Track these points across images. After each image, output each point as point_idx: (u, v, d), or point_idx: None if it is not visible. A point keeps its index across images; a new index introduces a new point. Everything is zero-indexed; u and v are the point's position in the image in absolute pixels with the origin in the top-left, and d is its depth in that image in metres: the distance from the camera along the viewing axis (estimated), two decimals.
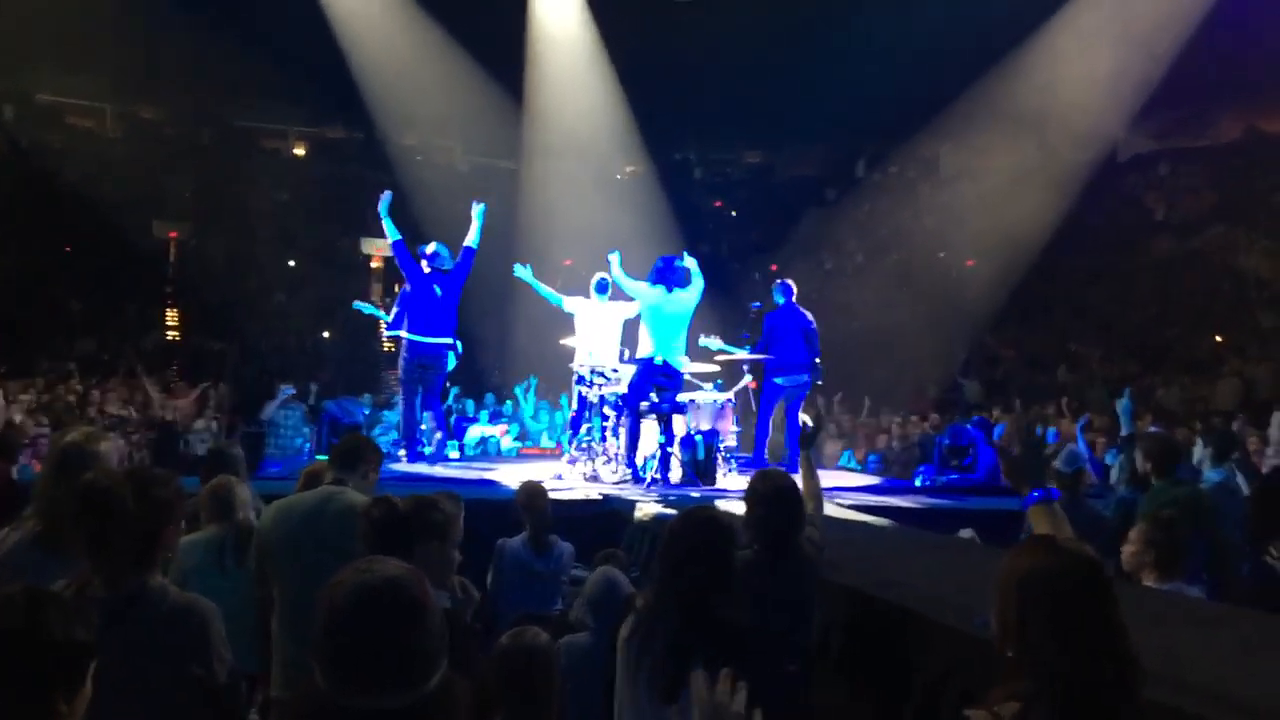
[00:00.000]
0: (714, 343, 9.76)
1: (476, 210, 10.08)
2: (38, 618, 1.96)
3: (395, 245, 10.23)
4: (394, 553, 3.04)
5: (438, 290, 9.89)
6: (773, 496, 3.78)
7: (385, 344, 23.59)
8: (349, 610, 1.75)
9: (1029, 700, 1.98)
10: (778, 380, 10.02)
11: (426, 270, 10.01)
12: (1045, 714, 1.96)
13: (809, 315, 10.20)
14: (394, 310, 10.00)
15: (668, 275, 9.05)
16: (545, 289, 10.39)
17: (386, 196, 10.49)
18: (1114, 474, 8.27)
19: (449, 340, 9.98)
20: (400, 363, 10.07)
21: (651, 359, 8.85)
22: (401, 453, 10.25)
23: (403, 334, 9.82)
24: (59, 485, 3.23)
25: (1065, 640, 1.99)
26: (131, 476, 2.71)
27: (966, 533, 6.39)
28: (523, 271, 10.50)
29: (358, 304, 11.98)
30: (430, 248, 10.17)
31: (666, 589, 3.02)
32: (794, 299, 10.28)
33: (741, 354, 10.17)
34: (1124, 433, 8.17)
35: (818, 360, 10.12)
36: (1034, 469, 2.55)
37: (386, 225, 10.37)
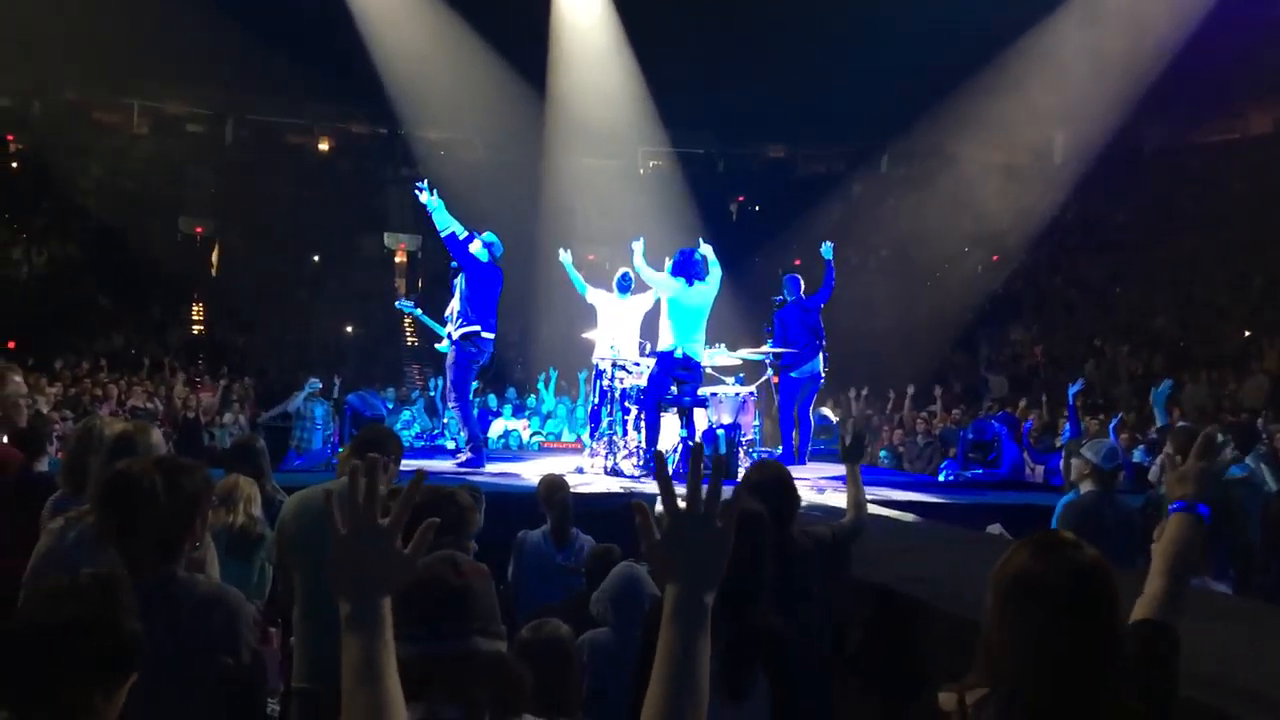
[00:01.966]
0: (720, 354, 9.72)
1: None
2: (109, 606, 1.97)
3: (449, 239, 9.21)
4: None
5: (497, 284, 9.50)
6: (766, 487, 3.77)
7: (410, 339, 23.73)
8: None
9: (994, 691, 1.92)
10: (792, 374, 10.02)
11: (493, 261, 9.52)
12: (999, 710, 1.90)
13: (818, 308, 10.23)
14: (456, 307, 9.41)
15: (687, 268, 9.00)
16: (577, 276, 10.35)
17: (427, 191, 9.43)
18: (1153, 471, 8.16)
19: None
20: (460, 360, 9.25)
21: (671, 352, 8.81)
22: (463, 456, 9.56)
23: (481, 332, 9.26)
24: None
25: (1027, 648, 1.88)
26: (160, 465, 2.70)
27: (995, 528, 6.31)
28: (564, 257, 10.44)
29: (401, 303, 11.82)
30: (487, 238, 9.66)
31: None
32: (802, 293, 10.28)
33: (743, 353, 10.13)
34: (1158, 424, 8.06)
35: (821, 344, 10.13)
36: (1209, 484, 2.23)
37: (436, 218, 9.29)
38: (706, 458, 8.49)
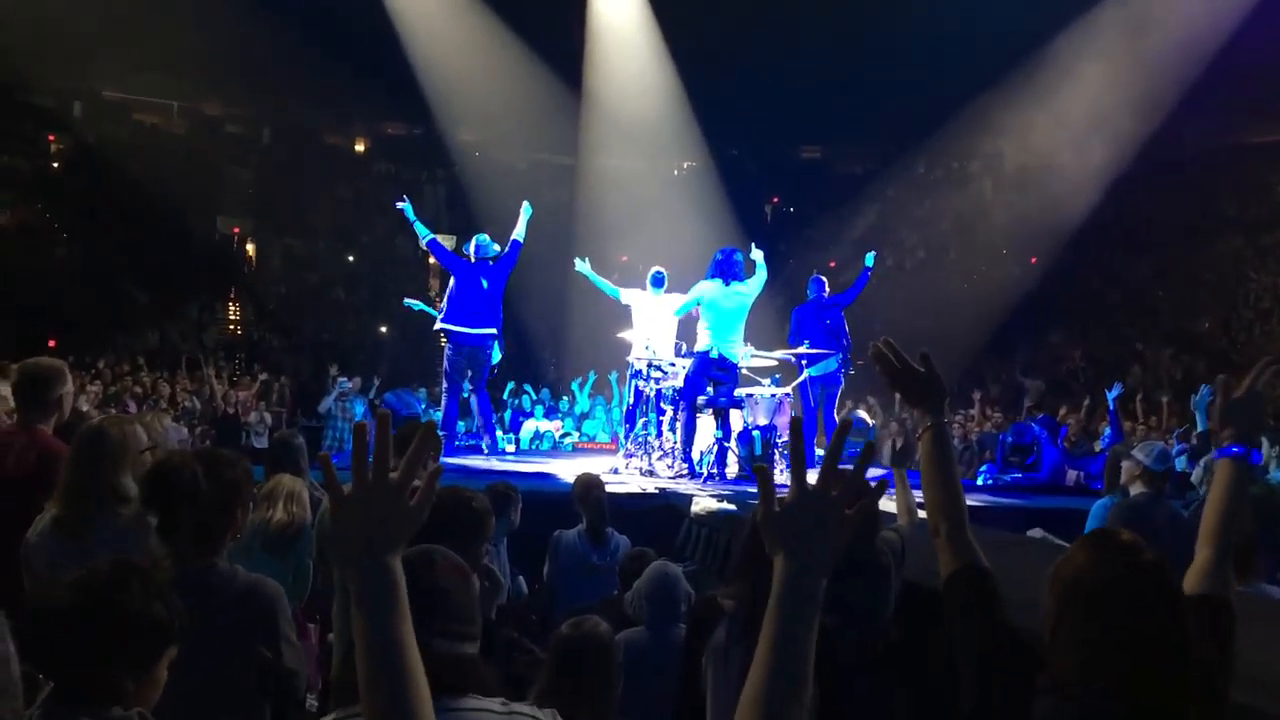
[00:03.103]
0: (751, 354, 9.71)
1: (525, 207, 10.11)
2: (120, 591, 1.98)
3: (430, 244, 10.40)
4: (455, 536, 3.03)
5: (484, 283, 9.91)
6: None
7: (440, 338, 23.84)
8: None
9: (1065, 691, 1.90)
10: (811, 372, 9.99)
11: (473, 260, 10.03)
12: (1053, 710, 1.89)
13: (840, 308, 10.22)
14: (443, 306, 10.04)
15: (726, 268, 8.99)
16: (602, 281, 10.38)
17: (406, 202, 10.58)
18: (1196, 474, 8.04)
19: (493, 331, 9.98)
20: (445, 355, 10.02)
21: (707, 353, 8.80)
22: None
23: (449, 327, 9.85)
24: (75, 470, 3.29)
25: (1086, 647, 1.86)
26: (200, 457, 2.73)
27: (1036, 532, 6.24)
28: (582, 265, 10.49)
29: (409, 301, 12.08)
30: (473, 244, 10.18)
31: (756, 587, 2.94)
32: (825, 294, 10.26)
33: (775, 354, 10.10)
34: (1199, 429, 7.96)
35: (846, 344, 10.10)
36: (1255, 418, 2.26)
37: (417, 228, 10.52)
38: (744, 459, 8.48)
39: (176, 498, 2.63)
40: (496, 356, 10.35)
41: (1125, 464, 5.41)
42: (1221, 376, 2.37)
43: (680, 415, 8.98)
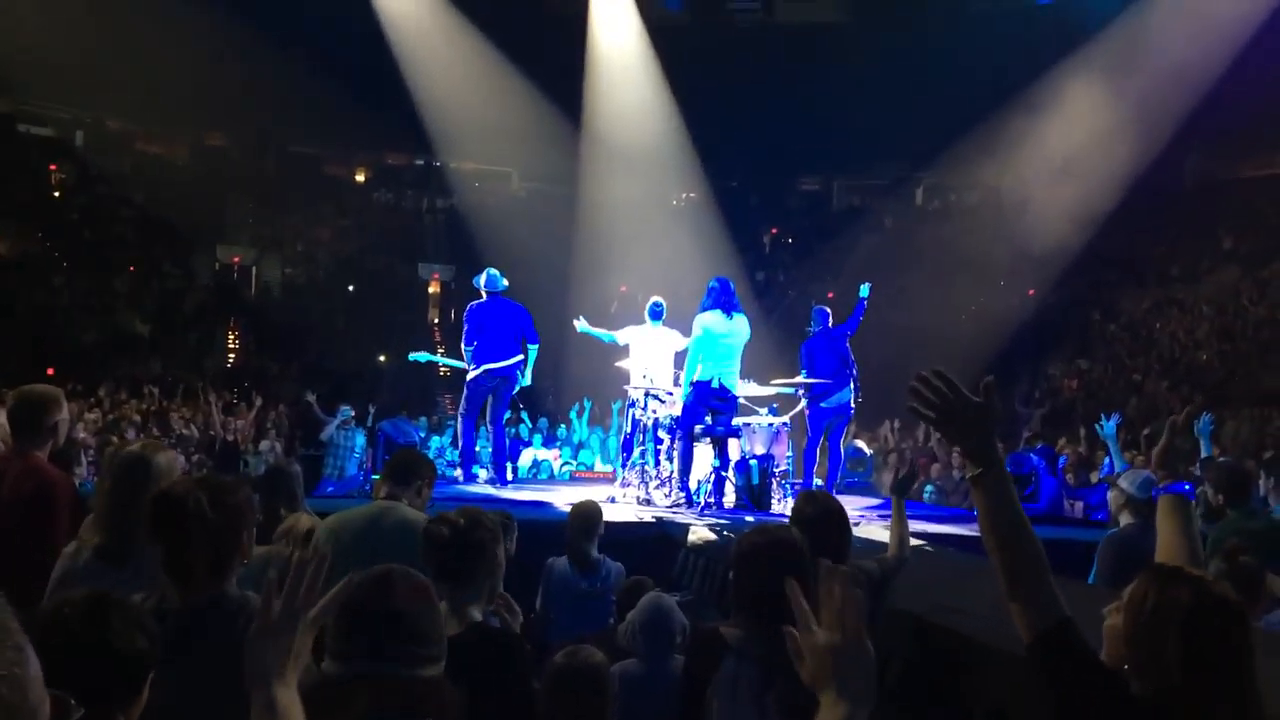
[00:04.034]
0: (752, 386, 9.72)
1: (531, 351, 10.04)
2: (100, 626, 1.96)
3: (466, 341, 10.04)
4: (456, 571, 3.01)
5: (504, 317, 9.89)
6: (819, 520, 3.67)
7: (441, 370, 23.85)
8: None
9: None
10: (822, 405, 9.95)
11: (484, 296, 9.96)
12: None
13: (845, 337, 10.21)
14: (468, 352, 9.93)
15: (725, 297, 9.02)
16: (600, 332, 10.35)
17: (419, 354, 11.53)
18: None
19: (520, 359, 9.95)
20: (468, 382, 9.93)
21: (707, 383, 8.78)
22: (457, 473, 10.32)
23: (484, 367, 9.71)
24: (118, 496, 3.25)
25: (1195, 677, 1.93)
26: (202, 485, 2.71)
27: None
28: (582, 326, 10.44)
29: (414, 355, 12.06)
30: (483, 277, 10.13)
31: (761, 619, 2.92)
32: (830, 325, 10.25)
33: (776, 384, 10.09)
34: (1203, 455, 7.94)
35: (854, 374, 10.07)
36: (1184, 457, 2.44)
37: (434, 359, 11.18)
38: (741, 489, 8.44)
39: (183, 526, 2.61)
40: (522, 383, 10.29)
41: (1111, 494, 5.39)
42: (1172, 418, 2.46)
43: (677, 444, 8.96)
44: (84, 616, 1.97)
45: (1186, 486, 2.32)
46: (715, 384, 8.71)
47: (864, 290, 10.53)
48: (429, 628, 2.01)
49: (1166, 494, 2.32)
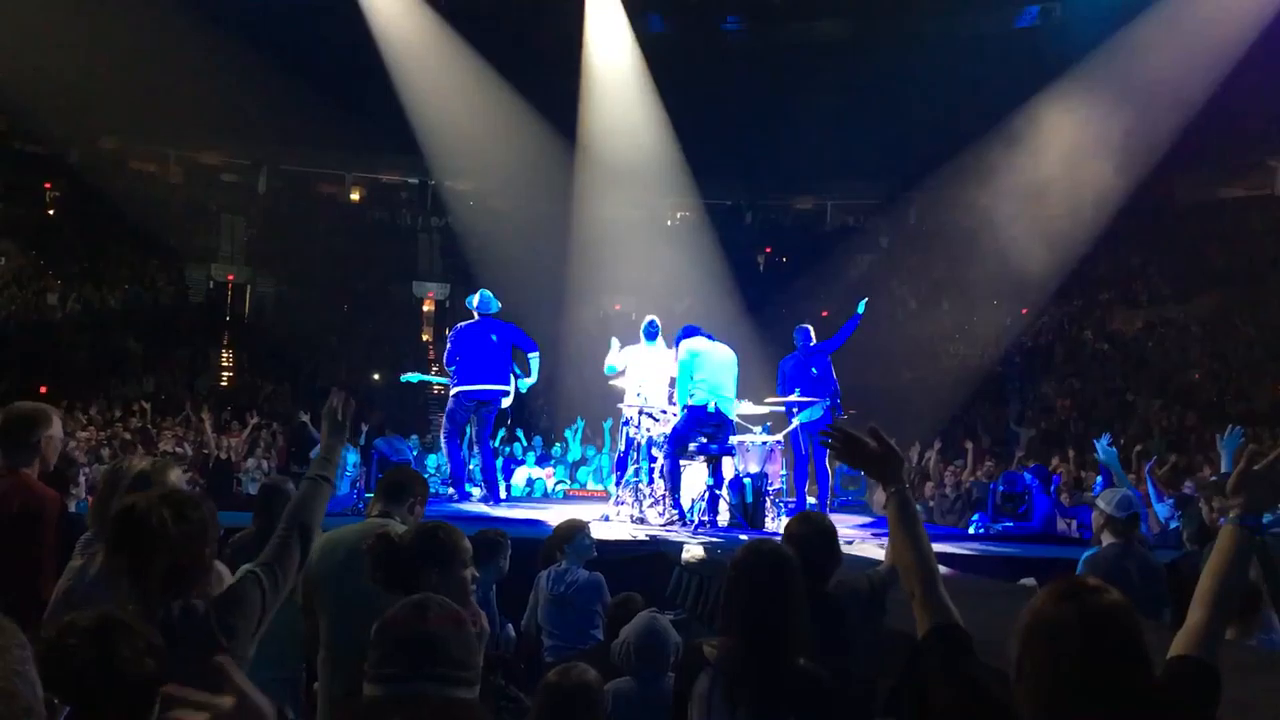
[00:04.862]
0: (745, 405, 9.71)
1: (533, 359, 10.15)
2: (108, 649, 1.94)
3: (447, 360, 10.19)
4: (400, 584, 3.05)
5: (493, 336, 9.96)
6: (808, 538, 3.68)
7: (435, 388, 23.83)
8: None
9: None
10: (799, 419, 9.97)
11: (476, 317, 10.06)
12: None
13: (826, 354, 10.25)
14: (452, 371, 10.04)
15: (699, 331, 9.12)
16: (610, 365, 10.33)
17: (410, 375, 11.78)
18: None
19: (505, 388, 10.02)
20: (448, 404, 10.11)
21: (702, 408, 8.73)
22: (451, 492, 10.34)
23: (461, 388, 9.85)
24: None
25: (1047, 693, 1.84)
26: (165, 500, 2.70)
27: (1028, 581, 6.21)
28: (613, 357, 10.37)
29: (406, 376, 12.12)
30: (476, 298, 10.22)
31: (743, 635, 2.93)
32: (811, 342, 10.28)
33: (767, 402, 10.11)
34: (1224, 469, 7.94)
35: (834, 390, 10.09)
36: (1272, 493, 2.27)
37: (425, 379, 11.63)
38: (735, 507, 8.42)
39: (146, 541, 2.59)
40: (505, 402, 10.36)
41: (1093, 514, 5.38)
42: (1252, 447, 2.37)
43: (665, 463, 8.95)
44: (91, 640, 1.95)
45: (1247, 520, 2.22)
46: (711, 409, 8.69)
47: (860, 306, 10.59)
48: (463, 653, 2.13)
49: (1232, 525, 2.21)
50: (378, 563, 3.25)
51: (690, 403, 8.74)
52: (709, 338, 9.06)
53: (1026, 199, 21.25)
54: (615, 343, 10.27)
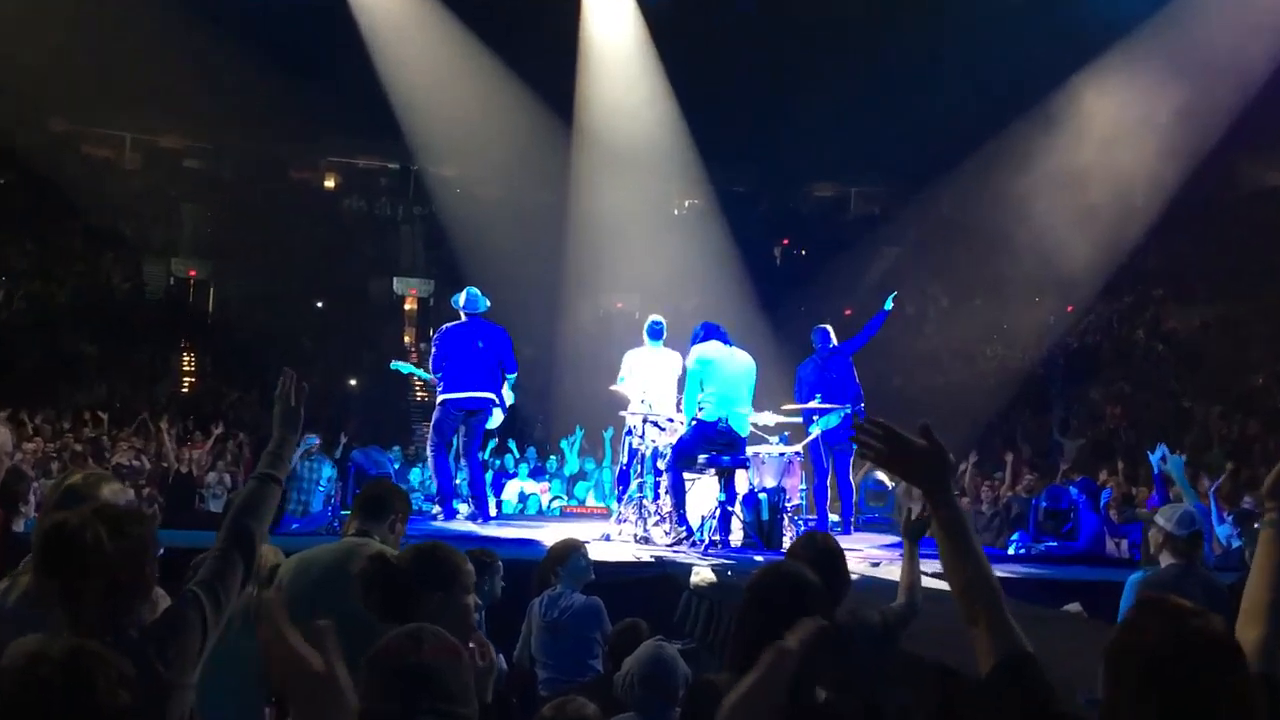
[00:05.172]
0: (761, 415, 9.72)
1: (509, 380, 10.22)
2: (84, 683, 1.94)
3: (434, 362, 10.24)
4: (398, 611, 3.04)
5: (480, 342, 9.99)
6: (816, 562, 3.66)
7: (419, 393, 23.85)
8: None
9: None
10: (817, 427, 10.00)
11: (463, 318, 10.09)
12: None
13: (846, 357, 10.27)
14: (438, 375, 10.08)
15: (716, 333, 9.08)
16: (622, 376, 10.33)
17: (399, 364, 11.72)
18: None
19: (491, 396, 10.05)
20: (435, 416, 10.16)
21: (714, 423, 8.71)
22: (436, 510, 10.37)
23: (446, 396, 9.93)
24: None
25: None
26: (100, 515, 2.69)
27: (1073, 607, 6.19)
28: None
29: (396, 364, 12.11)
30: (463, 297, 10.24)
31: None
32: (831, 344, 10.31)
33: (786, 409, 10.11)
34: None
35: (856, 395, 10.10)
36: None
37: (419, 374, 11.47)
38: (749, 526, 8.42)
39: (79, 561, 2.59)
40: (496, 421, 10.41)
41: (1150, 532, 5.33)
42: None
43: (668, 477, 8.95)
44: (65, 674, 1.95)
45: None
46: (722, 425, 8.68)
47: (888, 302, 10.61)
48: (460, 688, 2.19)
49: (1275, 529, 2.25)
50: (372, 587, 3.23)
51: (699, 416, 8.72)
52: (726, 341, 9.02)
53: (1069, 186, 21.22)
54: (627, 364, 10.21)
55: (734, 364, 8.89)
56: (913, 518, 4.62)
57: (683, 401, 9.20)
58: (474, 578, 3.35)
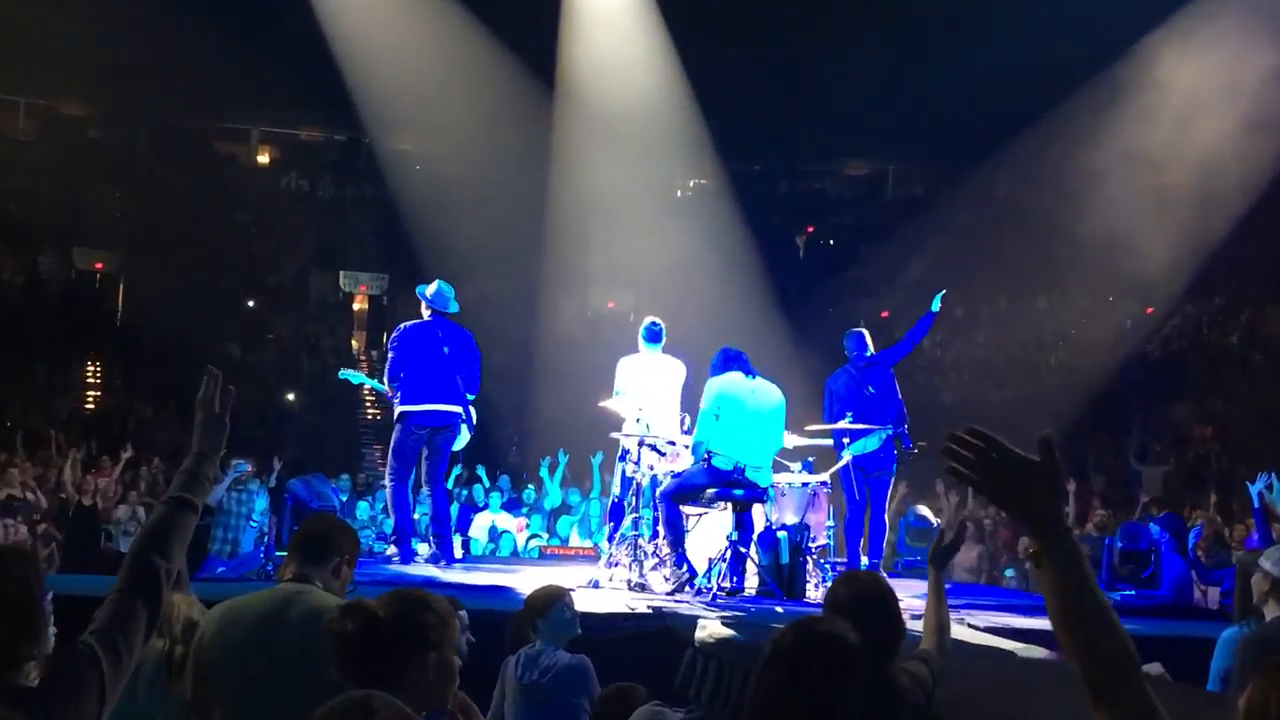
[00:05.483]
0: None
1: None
2: None
3: (390, 368, 10.22)
4: (380, 675, 3.00)
5: (445, 348, 9.97)
6: (860, 608, 3.63)
7: (371, 410, 23.85)
8: None
9: None
10: (850, 452, 9.97)
11: (426, 315, 10.07)
12: None
13: (886, 367, 10.29)
14: (395, 385, 10.02)
15: (738, 363, 9.04)
16: (619, 390, 10.32)
17: (349, 373, 11.47)
18: None
19: (458, 410, 10.05)
20: (394, 435, 10.15)
21: (730, 471, 8.69)
22: (390, 551, 10.36)
23: (407, 408, 9.90)
24: None
25: None
26: None
27: (1154, 668, 6.16)
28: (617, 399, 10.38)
29: (345, 372, 12.09)
30: (432, 288, 10.22)
31: None
32: (868, 353, 10.31)
33: (811, 430, 10.11)
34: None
35: (899, 414, 10.11)
36: None
37: (374, 386, 11.51)
38: (766, 570, 8.43)
39: None
40: (462, 442, 10.40)
41: (1254, 578, 5.30)
42: None
43: (662, 511, 8.94)
44: None
45: None
46: (736, 472, 8.66)
47: (936, 302, 10.62)
48: None
49: None
50: (347, 645, 3.17)
51: (709, 462, 8.71)
52: (750, 372, 8.98)
53: (1145, 165, 21.27)
54: (622, 375, 10.21)
55: (758, 403, 8.84)
56: (943, 543, 4.59)
57: (691, 439, 9.17)
58: (463, 633, 3.33)
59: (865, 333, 10.62)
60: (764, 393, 8.91)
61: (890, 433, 9.97)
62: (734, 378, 8.88)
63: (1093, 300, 23.41)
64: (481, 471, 15.17)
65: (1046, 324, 23.72)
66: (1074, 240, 22.41)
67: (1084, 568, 2.12)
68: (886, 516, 10.65)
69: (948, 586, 4.69)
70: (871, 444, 9.89)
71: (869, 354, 10.38)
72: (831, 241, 30.99)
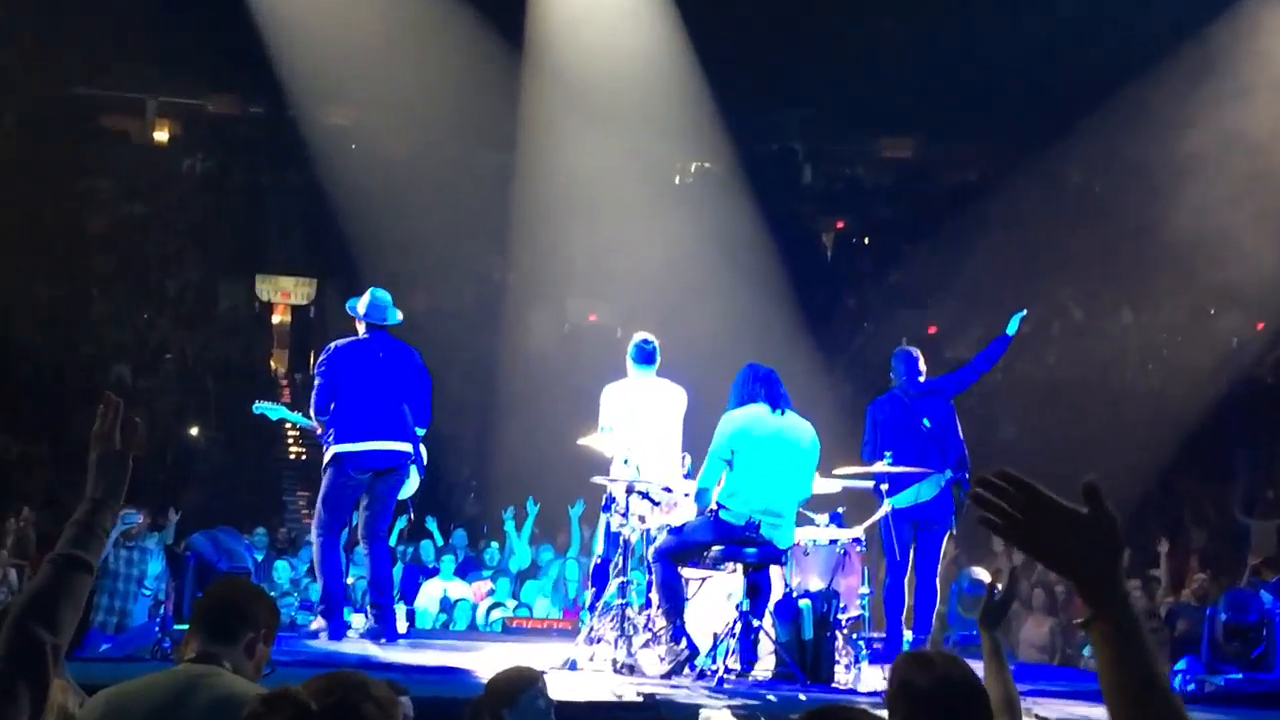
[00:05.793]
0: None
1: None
2: None
3: (316, 403, 10.36)
4: None
5: (389, 371, 9.98)
6: (939, 698, 3.59)
7: (294, 448, 23.83)
8: None
9: None
10: (895, 503, 9.91)
11: (363, 332, 10.09)
12: None
13: (944, 396, 10.28)
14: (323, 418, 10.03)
15: (767, 386, 9.04)
16: (604, 426, 10.31)
17: (265, 406, 11.55)
18: None
19: (406, 448, 10.06)
20: (325, 479, 10.15)
21: (739, 525, 8.69)
22: (317, 624, 10.32)
23: (342, 449, 9.95)
24: None
25: None
26: None
27: None
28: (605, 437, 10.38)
29: (261, 406, 12.11)
30: (364, 301, 10.22)
31: None
32: (920, 378, 10.27)
33: (840, 474, 10.10)
34: None
35: (959, 458, 10.09)
36: None
37: (297, 421, 11.73)
38: (785, 647, 8.46)
39: None
40: (411, 488, 10.40)
41: None
42: None
43: (658, 573, 8.94)
44: None
45: None
46: (750, 531, 8.68)
47: (1014, 323, 10.59)
48: None
49: None
50: None
51: (718, 514, 8.72)
52: (777, 402, 8.97)
53: (1259, 147, 21.39)
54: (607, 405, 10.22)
55: (783, 443, 8.85)
56: (995, 598, 4.59)
57: (695, 487, 9.17)
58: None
59: (917, 353, 10.52)
60: (793, 431, 8.90)
61: (949, 479, 9.92)
62: (756, 413, 8.87)
63: (1189, 314, 23.45)
64: (432, 525, 15.17)
65: (1132, 342, 23.76)
66: (1163, 239, 22.50)
67: (1144, 641, 2.09)
68: (937, 582, 10.58)
69: (1012, 667, 4.67)
70: (926, 492, 9.83)
71: (922, 378, 10.31)
72: (865, 239, 31.03)
